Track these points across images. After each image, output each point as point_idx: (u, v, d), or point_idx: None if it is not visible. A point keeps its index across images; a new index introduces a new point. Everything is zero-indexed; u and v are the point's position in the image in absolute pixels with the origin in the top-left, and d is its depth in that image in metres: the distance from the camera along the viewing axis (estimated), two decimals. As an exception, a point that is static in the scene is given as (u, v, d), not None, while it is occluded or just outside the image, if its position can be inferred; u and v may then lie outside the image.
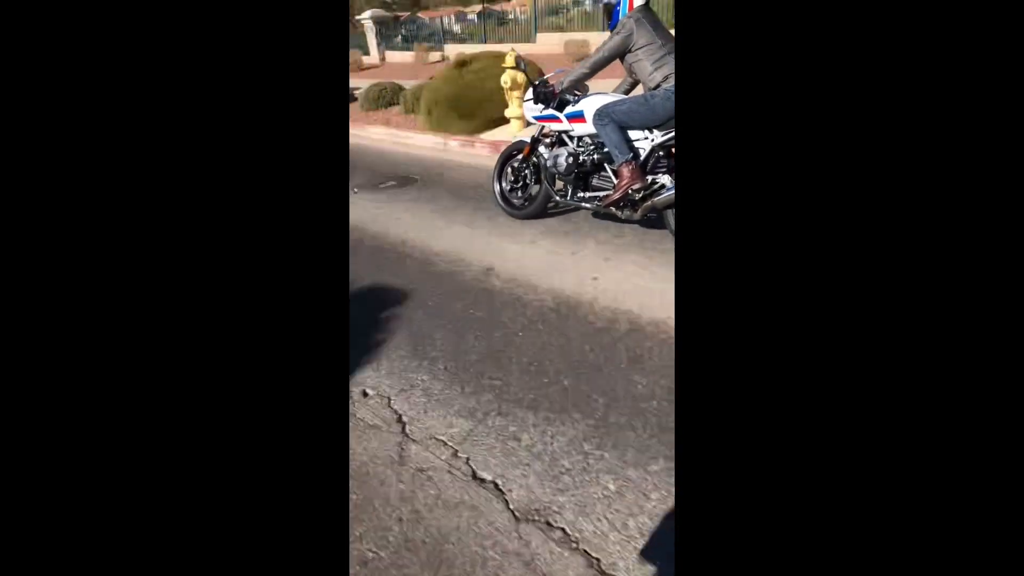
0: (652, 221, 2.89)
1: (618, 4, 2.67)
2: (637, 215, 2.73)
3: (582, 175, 2.93)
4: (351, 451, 1.58)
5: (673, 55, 2.55)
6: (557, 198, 3.05)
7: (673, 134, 2.57)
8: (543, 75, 3.71)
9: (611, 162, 2.76)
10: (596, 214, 3.16)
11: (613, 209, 2.77)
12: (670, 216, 2.64)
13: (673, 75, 2.53)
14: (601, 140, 2.72)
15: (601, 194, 2.87)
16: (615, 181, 2.72)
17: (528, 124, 4.70)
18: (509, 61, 4.32)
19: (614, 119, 2.63)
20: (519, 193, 3.31)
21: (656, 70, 2.55)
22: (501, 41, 12.57)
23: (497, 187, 3.39)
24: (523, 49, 6.38)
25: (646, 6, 2.65)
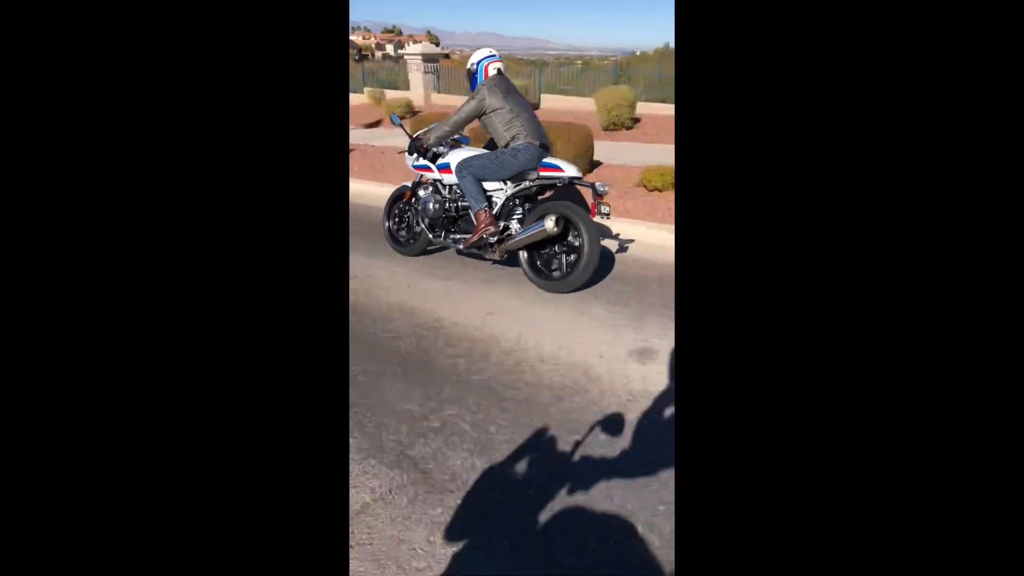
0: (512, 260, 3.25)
1: (476, 72, 3.06)
2: (496, 255, 3.08)
3: (451, 219, 3.27)
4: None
5: (523, 118, 2.94)
6: (431, 237, 3.37)
7: (525, 184, 2.95)
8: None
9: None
10: (463, 254, 3.48)
11: (476, 250, 3.11)
12: (522, 256, 3.00)
13: (521, 135, 2.92)
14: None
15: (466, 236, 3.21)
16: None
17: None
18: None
19: (471, 171, 3.00)
20: (404, 232, 3.62)
21: (506, 131, 2.94)
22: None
23: (386, 225, 3.69)
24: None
25: (499, 74, 3.05)
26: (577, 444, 1.67)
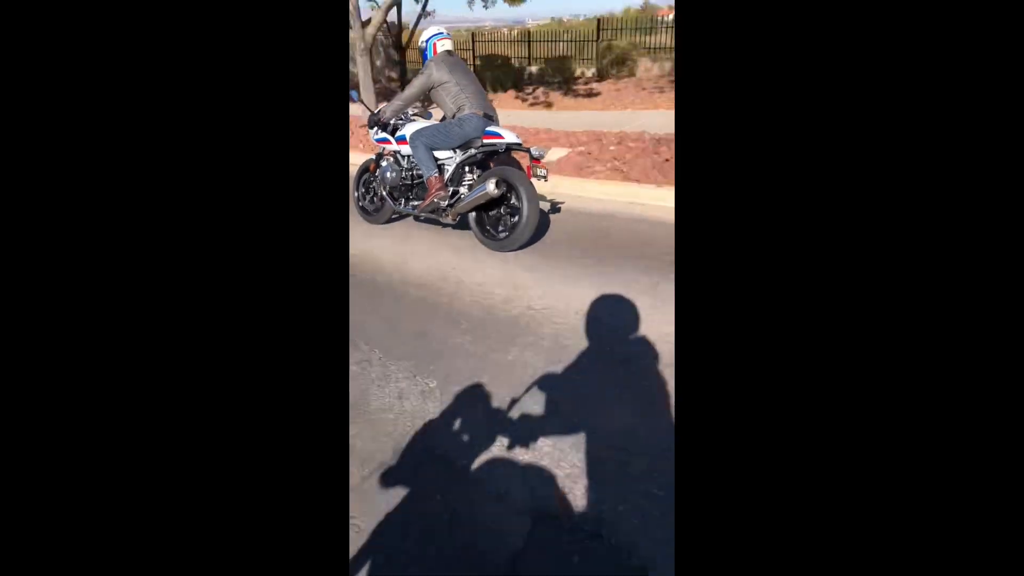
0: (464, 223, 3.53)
1: (426, 50, 3.32)
2: (450, 219, 3.36)
3: (408, 186, 3.55)
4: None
5: (468, 90, 3.20)
6: (392, 205, 3.65)
7: (471, 152, 3.22)
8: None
9: (428, 176, 3.39)
10: (418, 219, 3.75)
11: (431, 214, 3.40)
12: (471, 218, 3.28)
13: (467, 106, 3.18)
14: (419, 158, 3.35)
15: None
16: (429, 192, 3.35)
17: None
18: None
19: (422, 141, 3.27)
20: (369, 202, 3.91)
21: (453, 103, 3.21)
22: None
23: (353, 195, 3.97)
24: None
25: (448, 52, 3.30)
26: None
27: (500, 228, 3.20)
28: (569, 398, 1.77)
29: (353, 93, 3.74)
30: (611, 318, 2.29)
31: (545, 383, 1.85)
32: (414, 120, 3.54)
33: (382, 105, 3.57)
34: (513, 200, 3.10)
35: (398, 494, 1.43)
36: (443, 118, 3.64)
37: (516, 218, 3.07)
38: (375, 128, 3.60)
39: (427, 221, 3.75)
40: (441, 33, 3.35)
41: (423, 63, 3.35)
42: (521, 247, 3.10)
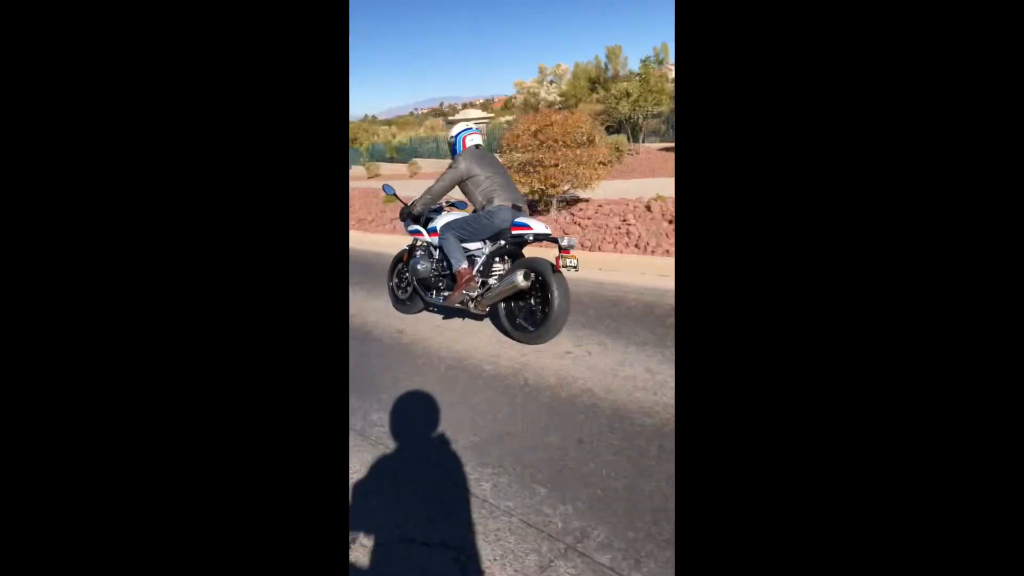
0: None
1: (455, 144, 3.37)
2: (478, 309, 3.26)
3: (440, 277, 3.50)
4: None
5: (497, 182, 3.19)
6: (424, 297, 3.60)
7: (502, 243, 3.16)
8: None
9: (459, 268, 3.33)
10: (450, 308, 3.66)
11: (459, 305, 3.31)
12: (500, 308, 3.16)
13: (496, 198, 3.15)
14: (450, 250, 3.31)
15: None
16: (459, 283, 3.28)
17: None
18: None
19: (452, 232, 3.24)
20: (403, 292, 3.88)
21: (482, 195, 3.19)
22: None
23: (389, 284, 3.97)
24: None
25: (476, 146, 3.34)
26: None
27: (529, 320, 3.05)
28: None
29: (387, 187, 3.83)
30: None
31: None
32: (445, 212, 3.55)
33: (414, 198, 3.62)
34: (543, 292, 2.98)
35: None
36: (474, 210, 3.64)
37: (547, 309, 2.93)
38: (407, 220, 3.63)
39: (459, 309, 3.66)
40: (470, 129, 3.41)
41: (453, 157, 3.39)
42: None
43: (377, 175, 17.37)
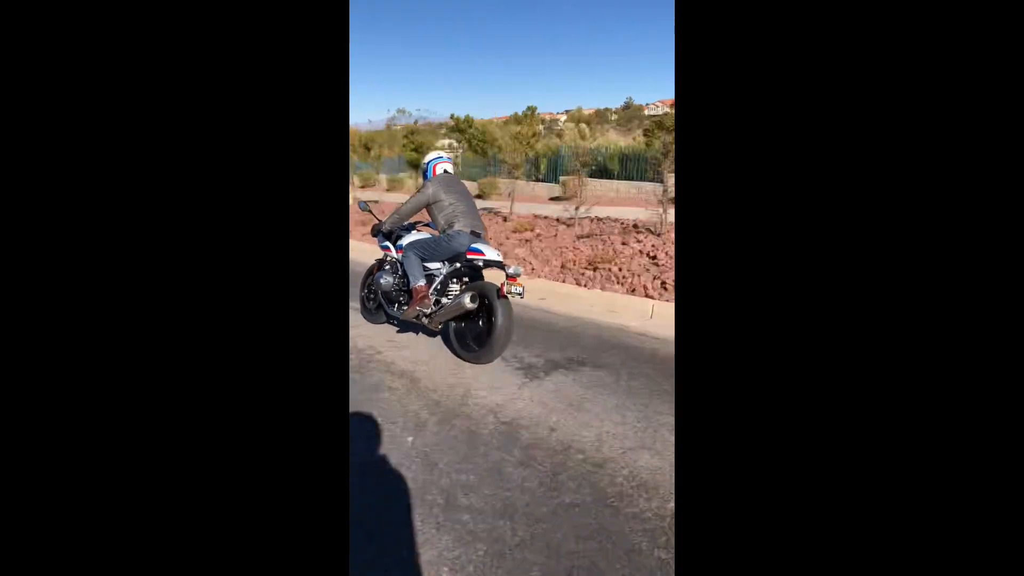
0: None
1: (427, 171, 3.62)
2: (433, 327, 3.45)
3: (401, 292, 3.71)
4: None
5: (459, 208, 3.41)
6: (387, 309, 3.80)
7: (457, 266, 3.36)
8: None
9: (419, 284, 3.54)
10: (405, 322, 3.84)
11: (414, 320, 3.50)
12: (450, 328, 3.35)
13: (456, 223, 3.37)
14: (413, 266, 3.52)
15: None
16: (417, 299, 3.48)
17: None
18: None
19: (415, 252, 3.46)
20: (370, 303, 4.09)
21: (444, 219, 3.41)
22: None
23: (360, 294, 4.18)
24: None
25: (445, 173, 3.58)
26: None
27: (476, 340, 3.23)
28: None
29: (362, 204, 4.08)
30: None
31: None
32: (416, 232, 3.78)
33: (385, 217, 3.86)
34: (488, 314, 3.15)
35: None
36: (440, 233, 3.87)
37: (489, 333, 3.10)
38: (380, 235, 3.87)
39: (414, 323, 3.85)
40: (441, 157, 3.66)
41: (423, 182, 3.63)
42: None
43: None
